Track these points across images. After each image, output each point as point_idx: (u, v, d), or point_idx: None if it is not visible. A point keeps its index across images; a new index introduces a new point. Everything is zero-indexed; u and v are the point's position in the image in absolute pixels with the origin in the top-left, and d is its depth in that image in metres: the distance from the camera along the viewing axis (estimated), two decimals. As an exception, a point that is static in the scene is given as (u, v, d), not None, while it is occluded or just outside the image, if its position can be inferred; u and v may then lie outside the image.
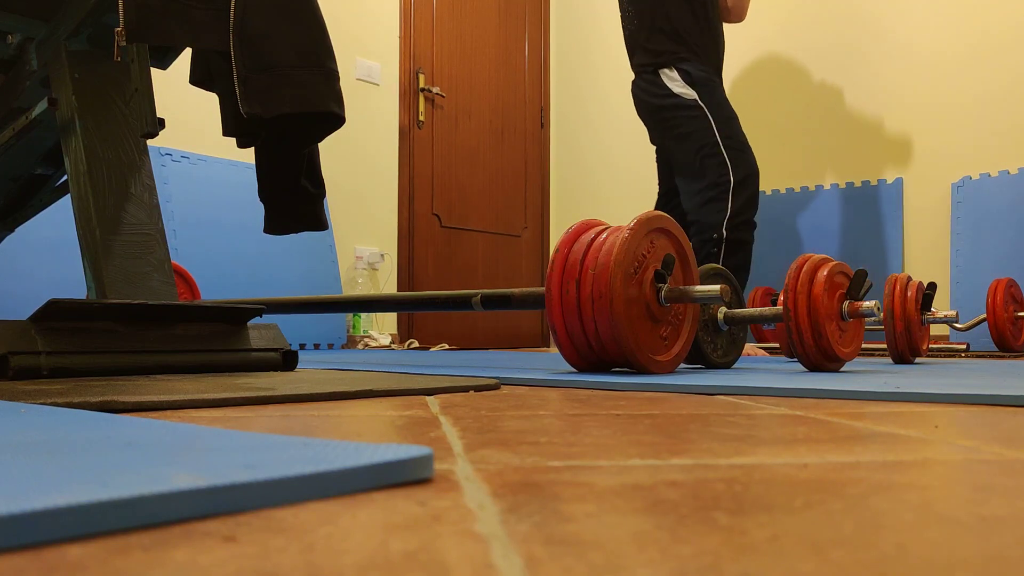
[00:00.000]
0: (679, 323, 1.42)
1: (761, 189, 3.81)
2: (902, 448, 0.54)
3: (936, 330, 3.26)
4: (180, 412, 0.76)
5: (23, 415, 0.63)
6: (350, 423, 0.70)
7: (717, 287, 1.34)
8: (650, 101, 2.72)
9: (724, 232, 2.50)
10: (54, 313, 1.16)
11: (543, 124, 4.75)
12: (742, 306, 1.77)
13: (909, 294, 1.99)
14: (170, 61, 1.69)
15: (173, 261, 1.85)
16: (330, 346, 3.48)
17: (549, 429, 0.64)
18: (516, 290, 1.59)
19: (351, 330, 3.66)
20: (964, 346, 2.88)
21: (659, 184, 2.92)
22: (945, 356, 2.67)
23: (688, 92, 2.62)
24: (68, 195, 1.49)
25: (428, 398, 0.92)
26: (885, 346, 2.11)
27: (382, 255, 3.89)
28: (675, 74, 2.64)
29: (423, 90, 4.10)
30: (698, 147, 2.60)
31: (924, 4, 3.46)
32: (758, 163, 2.70)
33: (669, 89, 2.65)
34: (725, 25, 2.91)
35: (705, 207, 2.56)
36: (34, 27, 1.53)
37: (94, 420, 0.60)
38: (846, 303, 1.54)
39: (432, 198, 4.15)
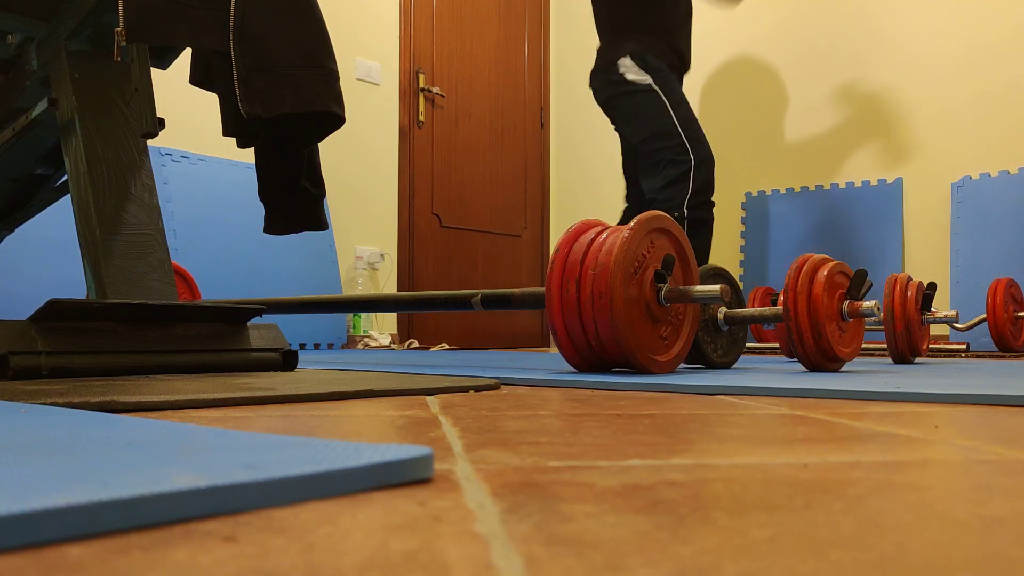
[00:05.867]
0: (679, 323, 1.42)
1: (761, 189, 3.83)
2: (902, 448, 0.54)
3: (936, 330, 3.26)
4: (180, 412, 0.76)
5: (23, 415, 0.63)
6: (350, 423, 0.70)
7: (717, 287, 1.34)
8: (607, 91, 2.82)
9: (685, 211, 2.55)
10: (54, 313, 1.16)
11: (543, 124, 4.75)
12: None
13: (909, 294, 1.99)
14: (170, 61, 1.69)
15: (173, 261, 1.85)
16: (330, 346, 3.48)
17: (549, 429, 0.64)
18: (516, 290, 1.59)
19: (351, 330, 3.66)
20: (964, 346, 2.88)
21: (625, 176, 2.97)
22: (945, 356, 2.67)
23: (643, 78, 2.72)
24: (68, 195, 1.49)
25: (428, 398, 0.92)
26: (885, 346, 2.10)
27: (382, 255, 3.89)
28: (629, 61, 2.74)
29: (423, 90, 4.10)
30: (656, 130, 2.70)
31: (924, 4, 3.46)
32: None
33: (623, 76, 2.75)
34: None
35: (667, 188, 2.64)
36: (34, 27, 1.53)
37: (94, 420, 0.60)
38: (846, 303, 1.54)
39: (432, 198, 4.15)
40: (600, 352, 1.35)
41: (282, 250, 3.24)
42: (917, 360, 2.08)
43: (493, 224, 4.45)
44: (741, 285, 3.50)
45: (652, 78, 2.70)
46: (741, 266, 3.83)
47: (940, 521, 0.33)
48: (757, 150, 3.87)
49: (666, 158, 2.65)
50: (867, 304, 1.52)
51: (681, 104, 2.70)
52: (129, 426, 0.56)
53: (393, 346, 3.72)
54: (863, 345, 2.29)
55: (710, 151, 2.68)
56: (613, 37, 2.80)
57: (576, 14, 4.52)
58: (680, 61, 2.86)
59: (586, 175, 4.62)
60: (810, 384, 1.05)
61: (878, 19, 3.57)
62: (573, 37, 4.62)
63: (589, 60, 2.90)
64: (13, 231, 2.05)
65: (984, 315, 2.76)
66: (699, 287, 1.36)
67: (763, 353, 2.83)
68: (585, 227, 1.41)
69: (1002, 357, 2.54)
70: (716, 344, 1.61)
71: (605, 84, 2.81)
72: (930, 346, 2.66)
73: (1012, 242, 3.13)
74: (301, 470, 0.36)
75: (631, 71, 2.72)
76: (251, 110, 1.27)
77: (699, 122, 2.73)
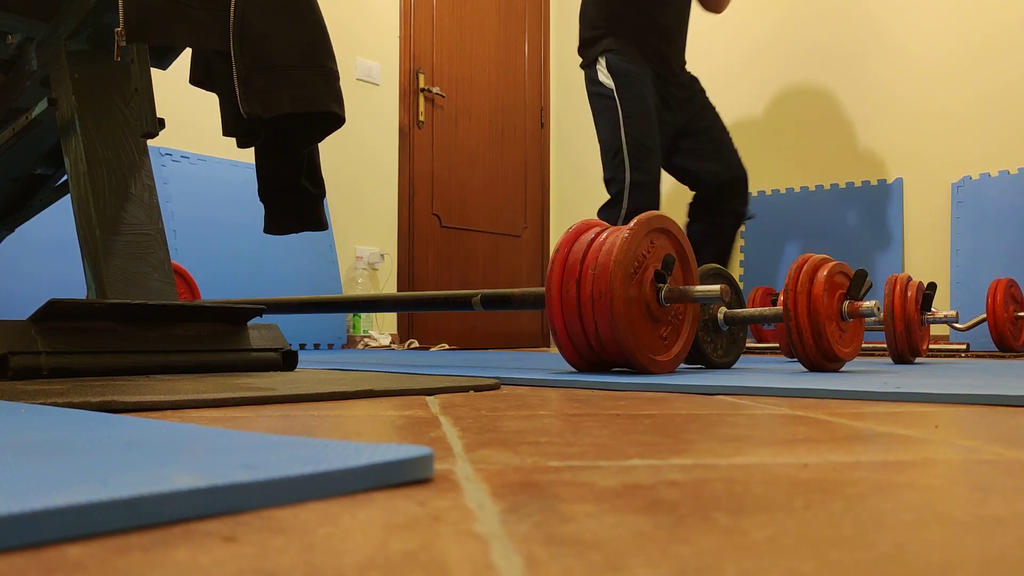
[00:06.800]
0: (679, 323, 1.42)
1: (761, 189, 3.83)
2: (902, 448, 0.54)
3: (936, 330, 3.26)
4: (180, 412, 0.76)
5: (23, 415, 0.63)
6: (350, 423, 0.70)
7: (717, 287, 1.34)
8: (587, 87, 2.73)
9: None
10: (54, 313, 1.16)
11: (543, 124, 4.75)
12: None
13: (909, 294, 1.99)
14: (170, 61, 1.69)
15: (173, 261, 1.85)
16: (330, 346, 3.48)
17: (549, 429, 0.64)
18: (516, 290, 1.59)
19: (351, 330, 3.66)
20: (964, 346, 2.88)
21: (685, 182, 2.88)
22: (945, 356, 2.67)
23: (608, 82, 2.62)
24: (68, 195, 1.49)
25: (428, 398, 0.92)
26: (885, 346, 2.10)
27: (382, 255, 3.89)
28: (602, 63, 2.64)
29: (423, 90, 4.10)
30: (607, 141, 2.61)
31: (924, 5, 3.46)
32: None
33: (597, 76, 2.66)
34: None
35: (604, 208, 2.56)
36: (34, 27, 1.53)
37: (94, 420, 0.60)
38: (846, 303, 1.54)
39: (432, 198, 4.15)
40: (600, 352, 1.35)
41: (282, 250, 3.24)
42: (917, 360, 2.08)
43: (493, 224, 4.45)
44: (741, 285, 3.50)
45: (616, 85, 2.57)
46: (741, 266, 3.83)
47: (940, 521, 0.33)
48: (757, 150, 3.87)
49: (608, 175, 2.56)
50: (867, 304, 1.52)
51: (636, 119, 2.54)
52: (129, 426, 0.56)
53: (393, 346, 3.72)
54: (863, 345, 2.29)
55: (654, 174, 2.53)
56: (593, 32, 2.68)
57: (576, 14, 4.52)
58: (664, 64, 2.70)
59: (586, 175, 4.62)
60: (810, 384, 1.05)
61: (878, 19, 3.57)
62: (573, 37, 4.60)
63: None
64: (13, 231, 2.05)
65: (984, 315, 2.76)
66: (699, 287, 1.36)
67: (763, 353, 2.83)
68: (585, 227, 1.41)
69: (1002, 357, 2.54)
70: (716, 344, 1.61)
71: (586, 80, 2.72)
72: (930, 346, 2.66)
73: (1012, 242, 3.13)
74: (301, 470, 0.36)
75: (602, 73, 2.62)
76: (251, 110, 1.27)
77: (656, 143, 2.57)
